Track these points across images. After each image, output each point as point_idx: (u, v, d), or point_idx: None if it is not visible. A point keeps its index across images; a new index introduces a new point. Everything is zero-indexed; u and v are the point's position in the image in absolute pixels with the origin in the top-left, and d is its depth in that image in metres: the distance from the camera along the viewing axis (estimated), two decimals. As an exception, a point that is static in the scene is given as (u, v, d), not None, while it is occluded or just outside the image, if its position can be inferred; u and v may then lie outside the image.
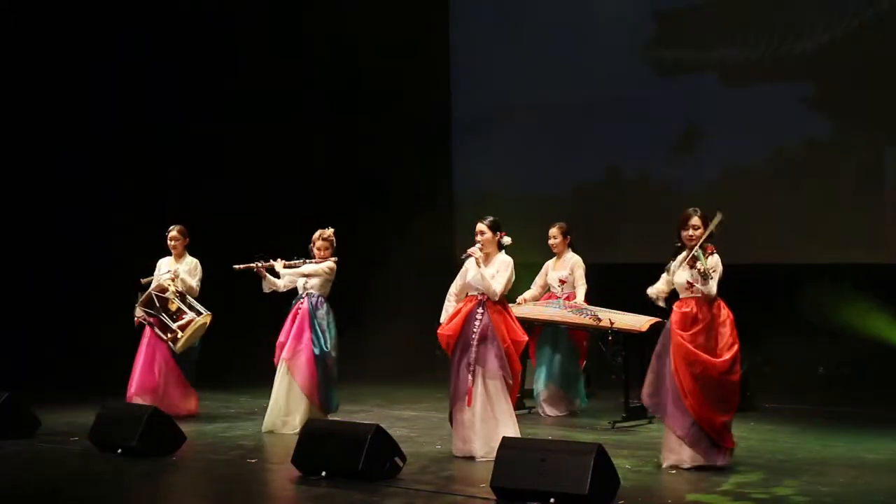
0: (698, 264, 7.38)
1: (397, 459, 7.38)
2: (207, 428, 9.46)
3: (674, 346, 7.48)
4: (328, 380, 9.11)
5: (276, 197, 13.30)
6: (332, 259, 9.17)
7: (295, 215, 10.55)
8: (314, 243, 9.19)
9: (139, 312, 9.76)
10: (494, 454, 6.96)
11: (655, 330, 8.69)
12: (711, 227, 7.46)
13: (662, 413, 7.58)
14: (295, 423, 9.00)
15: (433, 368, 12.37)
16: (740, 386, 7.66)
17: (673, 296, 7.76)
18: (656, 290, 7.74)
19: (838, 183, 11.10)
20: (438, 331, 8.08)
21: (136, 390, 9.82)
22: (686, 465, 7.46)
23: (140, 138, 13.00)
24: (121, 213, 12.68)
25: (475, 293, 8.01)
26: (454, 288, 8.16)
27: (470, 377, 7.87)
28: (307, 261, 9.15)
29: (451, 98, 13.47)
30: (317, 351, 9.03)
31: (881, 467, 7.60)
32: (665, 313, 7.85)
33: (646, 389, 7.66)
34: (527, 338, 8.14)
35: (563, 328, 9.87)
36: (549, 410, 9.94)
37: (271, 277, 9.20)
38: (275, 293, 9.30)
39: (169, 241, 9.99)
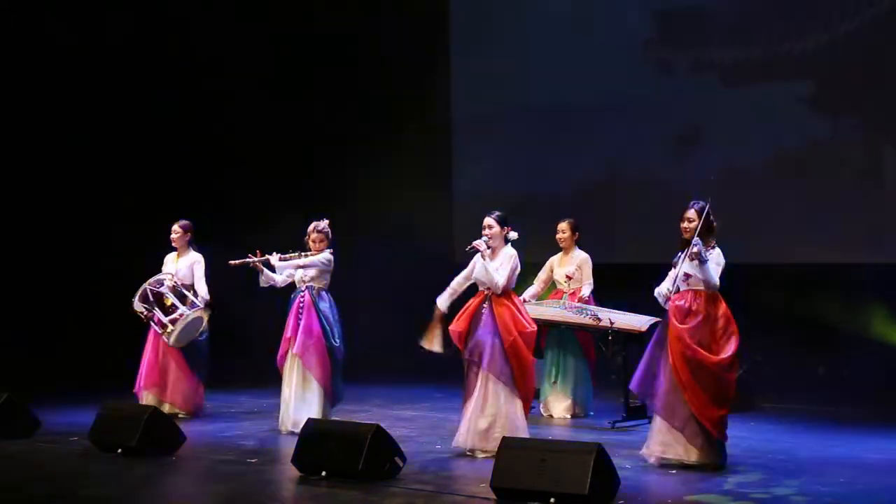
0: (693, 247, 7.36)
1: (397, 459, 7.38)
2: (207, 428, 9.47)
3: (671, 339, 7.50)
4: (338, 372, 9.11)
5: (277, 197, 13.30)
6: (329, 251, 9.15)
7: (294, 215, 10.54)
8: (309, 236, 9.18)
9: (137, 307, 9.76)
10: (491, 453, 6.95)
11: (655, 330, 8.68)
12: (702, 218, 7.48)
13: (654, 402, 7.58)
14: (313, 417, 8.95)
15: (433, 368, 12.36)
16: (738, 383, 7.65)
17: None
18: (665, 290, 7.64)
19: (838, 183, 11.08)
20: (450, 327, 8.10)
21: (144, 384, 9.87)
22: (672, 457, 7.46)
23: (140, 137, 13.00)
24: (122, 211, 12.68)
25: (483, 288, 8.03)
26: (458, 278, 8.17)
27: (474, 373, 7.91)
28: (303, 254, 9.14)
29: (451, 98, 13.46)
30: (329, 344, 9.00)
31: (881, 467, 7.61)
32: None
33: (637, 375, 7.68)
34: (535, 328, 8.01)
35: (566, 331, 9.84)
36: (553, 411, 9.91)
37: (268, 272, 9.18)
38: (273, 288, 9.26)
39: (171, 236, 10.03)
